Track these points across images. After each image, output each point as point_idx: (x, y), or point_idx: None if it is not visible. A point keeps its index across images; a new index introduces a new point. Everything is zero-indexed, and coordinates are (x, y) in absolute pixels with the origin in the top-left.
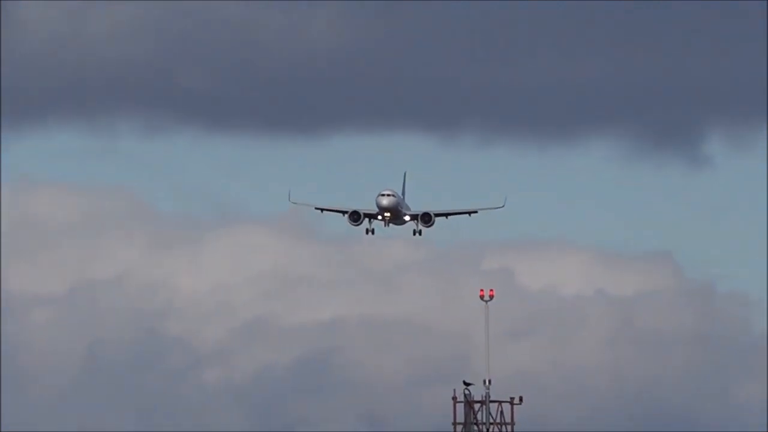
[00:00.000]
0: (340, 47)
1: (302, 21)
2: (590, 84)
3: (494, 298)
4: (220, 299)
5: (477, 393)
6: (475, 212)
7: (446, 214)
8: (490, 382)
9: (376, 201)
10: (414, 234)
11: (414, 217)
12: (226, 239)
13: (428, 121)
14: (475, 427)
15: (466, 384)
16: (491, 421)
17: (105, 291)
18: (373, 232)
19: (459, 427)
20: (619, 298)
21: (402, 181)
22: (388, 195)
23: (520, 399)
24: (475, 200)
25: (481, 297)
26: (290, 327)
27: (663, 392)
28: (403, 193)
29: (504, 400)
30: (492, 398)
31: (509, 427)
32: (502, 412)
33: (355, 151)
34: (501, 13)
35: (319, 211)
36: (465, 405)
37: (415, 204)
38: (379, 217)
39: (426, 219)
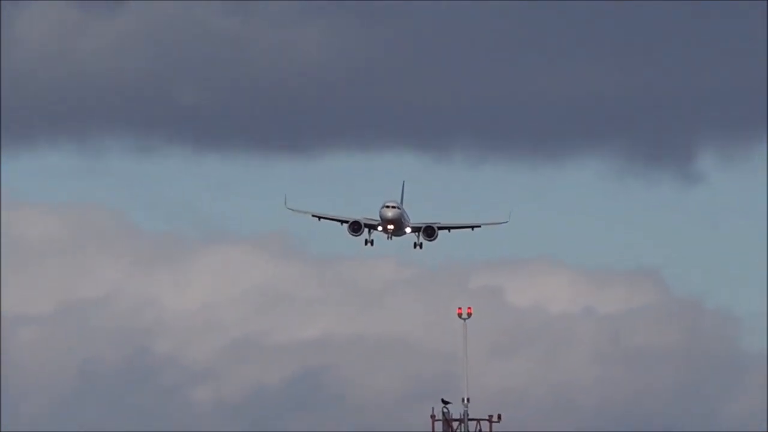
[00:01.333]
0: (330, 65)
1: (293, 39)
2: (581, 100)
3: (472, 316)
4: (208, 318)
5: (455, 411)
6: (479, 226)
7: (449, 228)
8: (468, 400)
9: (381, 213)
10: (414, 247)
11: (416, 230)
12: (214, 258)
13: (419, 139)
14: None
15: (445, 402)
16: None
17: (92, 310)
18: (372, 244)
19: None
20: (607, 315)
21: (401, 191)
22: (393, 207)
23: (499, 417)
24: (466, 217)
25: (459, 315)
26: (277, 345)
27: (650, 409)
28: (402, 203)
29: (482, 418)
30: (471, 416)
31: None
32: (480, 431)
33: (346, 169)
34: (492, 32)
35: (317, 219)
36: (443, 423)
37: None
38: (380, 228)
39: (429, 232)
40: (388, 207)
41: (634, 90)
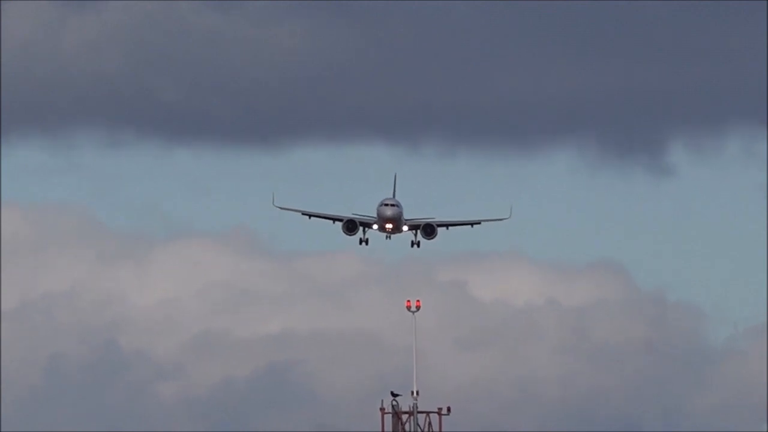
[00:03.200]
0: (302, 61)
1: (265, 35)
2: (553, 93)
3: (420, 309)
4: (171, 314)
5: (405, 404)
6: (479, 223)
7: (447, 225)
8: (418, 393)
9: (379, 211)
10: (412, 246)
11: (414, 228)
12: (179, 253)
13: (390, 132)
14: None
15: (394, 395)
16: (419, 431)
17: (56, 306)
18: (367, 243)
19: None
20: (571, 308)
21: (393, 185)
22: (392, 205)
23: (448, 410)
24: (439, 210)
25: (408, 308)
26: (240, 341)
27: (613, 402)
28: (394, 197)
29: (432, 410)
30: (421, 409)
31: None
32: (430, 423)
33: (317, 162)
34: (465, 26)
35: (307, 217)
36: (393, 416)
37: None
38: (375, 227)
39: (428, 231)
40: (387, 205)
41: (606, 83)
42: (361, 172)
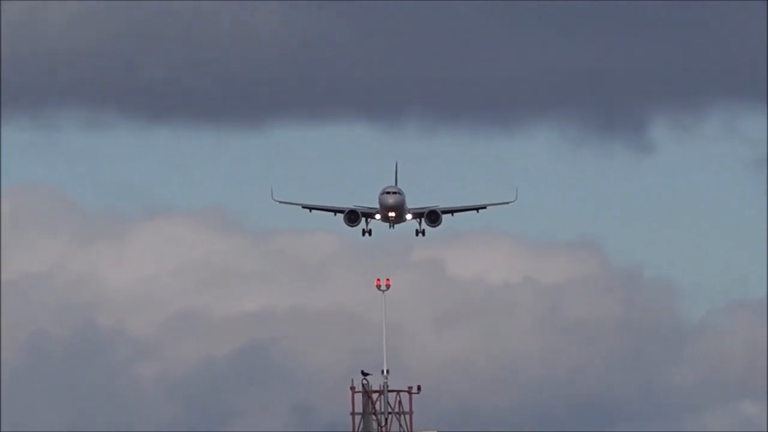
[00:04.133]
0: (281, 38)
1: (244, 12)
2: (534, 70)
3: (390, 287)
4: (149, 292)
5: (375, 383)
6: (484, 208)
7: (452, 211)
8: (388, 372)
9: (380, 200)
10: (417, 234)
11: (417, 215)
12: (156, 232)
13: (370, 110)
14: (374, 417)
15: (364, 374)
16: (389, 410)
17: (33, 286)
18: (370, 233)
19: (357, 417)
20: (548, 285)
21: (394, 173)
22: (394, 193)
23: (418, 388)
24: (419, 189)
25: (378, 287)
26: (219, 319)
27: (589, 379)
28: (396, 184)
29: (402, 389)
30: (390, 388)
31: (407, 417)
32: (400, 402)
33: (297, 141)
34: (445, 3)
35: (307, 210)
36: (363, 395)
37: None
38: (377, 217)
39: (433, 218)
40: (388, 193)
41: (587, 60)
42: (341, 150)
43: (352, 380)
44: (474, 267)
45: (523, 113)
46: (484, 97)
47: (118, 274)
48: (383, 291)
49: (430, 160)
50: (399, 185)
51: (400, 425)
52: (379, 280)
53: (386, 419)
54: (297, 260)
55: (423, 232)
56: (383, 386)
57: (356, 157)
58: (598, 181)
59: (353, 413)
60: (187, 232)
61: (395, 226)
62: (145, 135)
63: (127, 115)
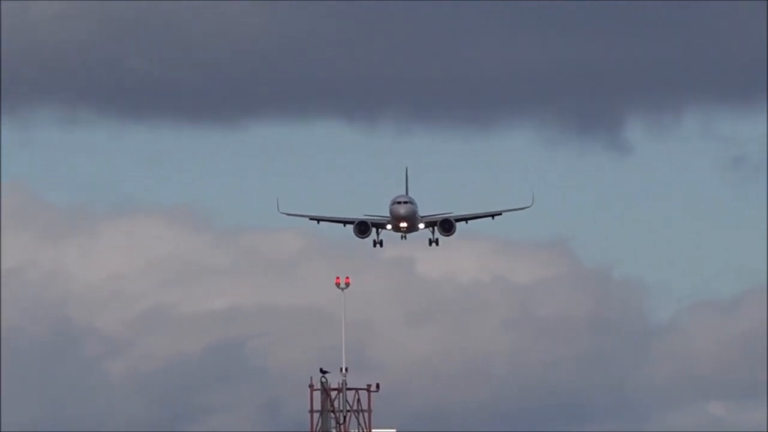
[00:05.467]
0: (259, 35)
1: (221, 10)
2: (511, 69)
3: (350, 286)
4: (118, 289)
5: (334, 380)
6: (499, 214)
7: (466, 219)
8: (346, 369)
9: (391, 210)
10: (430, 244)
11: (430, 224)
12: (126, 229)
13: (347, 109)
14: (332, 415)
15: (323, 372)
16: (348, 408)
17: (4, 283)
18: (381, 245)
19: (315, 415)
20: (518, 285)
21: (405, 180)
22: (405, 202)
23: (377, 386)
24: (395, 186)
25: (337, 284)
26: (187, 316)
27: (559, 378)
28: (407, 192)
29: (361, 387)
30: (349, 386)
31: (366, 415)
32: (359, 400)
33: (273, 139)
34: (422, 1)
35: (316, 222)
36: (322, 393)
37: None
38: (389, 227)
39: (446, 227)
40: (399, 203)
41: (564, 59)
42: (318, 148)
43: (311, 378)
44: (443, 266)
45: (500, 112)
46: (461, 97)
47: (87, 271)
48: (342, 289)
49: (404, 158)
50: (410, 191)
51: (359, 423)
52: (338, 278)
53: (345, 417)
54: (266, 258)
55: (437, 242)
56: (342, 384)
57: (333, 156)
58: (572, 181)
59: (311, 411)
60: (157, 230)
61: (407, 236)
62: (119, 132)
63: (103, 113)
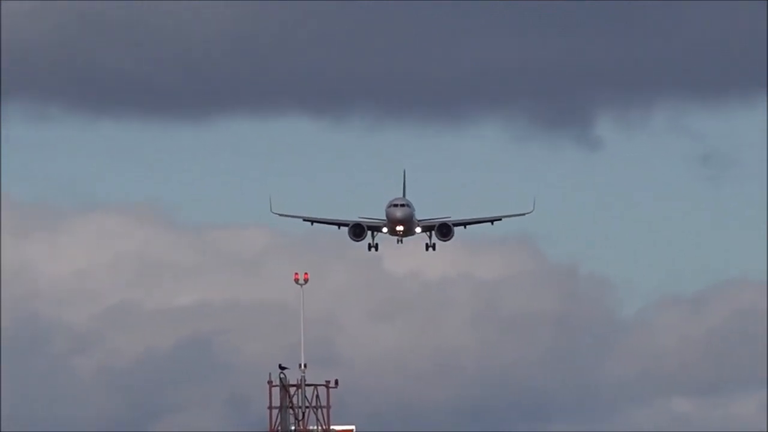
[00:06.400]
0: (228, 31)
1: (191, 6)
2: (480, 66)
3: (309, 281)
4: (84, 286)
5: (293, 377)
6: (499, 219)
7: (465, 224)
8: (305, 366)
9: (388, 213)
10: (427, 249)
11: (427, 229)
12: (92, 226)
13: (317, 104)
14: (291, 411)
15: (282, 368)
16: (306, 404)
17: None
18: (377, 248)
19: (274, 411)
20: (484, 281)
21: (402, 182)
22: (402, 205)
23: (336, 382)
24: (367, 183)
25: (296, 280)
26: (154, 312)
27: (525, 375)
28: (404, 195)
29: (319, 383)
30: (308, 382)
31: (325, 411)
32: (317, 396)
33: (241, 135)
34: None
35: (309, 223)
36: (280, 389)
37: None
38: (384, 230)
39: (444, 231)
40: (396, 206)
41: (534, 55)
42: (284, 145)
43: (270, 374)
44: (410, 262)
45: (469, 108)
46: (430, 92)
47: (52, 267)
48: (301, 285)
49: (372, 157)
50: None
51: (318, 420)
52: (297, 273)
53: (303, 413)
54: (230, 255)
55: (434, 247)
56: (300, 380)
57: (299, 151)
58: (541, 177)
59: (270, 407)
60: (122, 226)
61: (404, 240)
62: (87, 129)
63: (71, 109)
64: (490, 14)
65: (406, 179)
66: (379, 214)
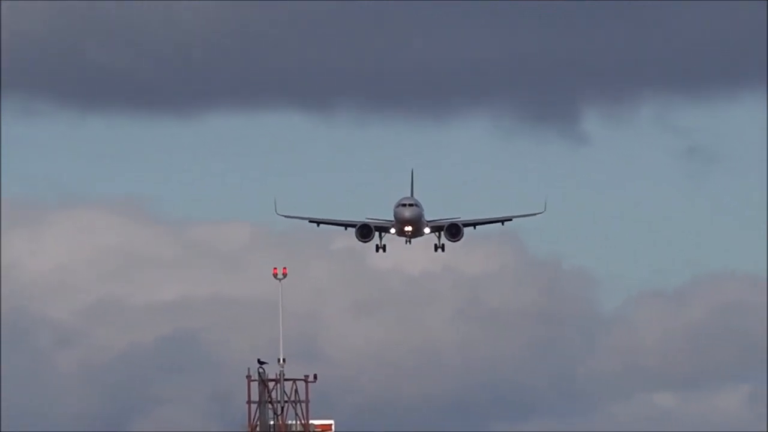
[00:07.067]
0: (215, 27)
1: (180, 2)
2: (467, 60)
3: (287, 276)
4: (66, 281)
5: (271, 371)
6: (510, 220)
7: (475, 224)
8: (284, 360)
9: (396, 213)
10: (436, 250)
11: (436, 229)
12: (75, 221)
13: (303, 99)
14: (270, 405)
15: (261, 363)
16: (285, 399)
17: None
18: (384, 249)
19: (253, 406)
20: (466, 276)
21: (410, 182)
22: (411, 205)
23: (315, 377)
24: (352, 177)
25: (275, 275)
26: (137, 307)
27: (507, 370)
28: (412, 195)
29: (298, 378)
30: (287, 376)
31: (303, 405)
32: (296, 390)
33: (228, 130)
34: None
35: (315, 224)
36: (259, 383)
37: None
38: (392, 231)
39: (453, 231)
40: (405, 205)
41: (520, 50)
42: (273, 140)
43: (248, 369)
44: (393, 256)
45: (456, 103)
46: (417, 87)
47: (35, 263)
48: (280, 280)
49: (358, 150)
50: (415, 193)
51: (297, 414)
52: (275, 268)
53: (282, 408)
54: (213, 250)
55: (443, 247)
56: (279, 375)
57: (286, 146)
58: (530, 171)
59: (249, 402)
60: (108, 221)
61: (412, 240)
62: (73, 124)
63: (58, 105)
64: (477, 9)
65: (414, 178)
66: (369, 208)
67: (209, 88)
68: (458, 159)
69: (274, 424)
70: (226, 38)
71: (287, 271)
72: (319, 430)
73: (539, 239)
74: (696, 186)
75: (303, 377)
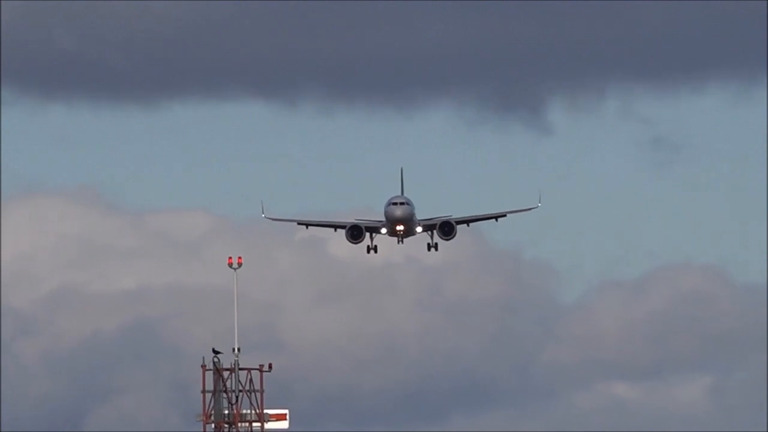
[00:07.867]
0: (180, 16)
1: None
2: (431, 50)
3: (242, 266)
4: (25, 270)
5: (226, 361)
6: (504, 216)
7: (468, 221)
8: (239, 350)
9: (387, 212)
10: (429, 249)
11: (428, 228)
12: (32, 210)
13: (267, 89)
14: (225, 395)
15: (216, 352)
16: (240, 388)
17: None
18: (375, 251)
19: (208, 395)
20: (427, 266)
21: (400, 181)
22: (402, 203)
23: (270, 366)
24: (317, 166)
25: (230, 264)
26: (97, 296)
27: (467, 359)
28: (402, 193)
29: (253, 367)
30: (241, 366)
31: (258, 395)
32: (251, 380)
33: (190, 119)
34: None
35: (304, 227)
36: (214, 373)
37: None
38: (383, 231)
39: (446, 230)
40: (395, 204)
41: (484, 39)
42: (235, 130)
43: (203, 358)
44: (355, 247)
45: (419, 93)
46: (380, 77)
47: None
48: (235, 269)
49: (322, 141)
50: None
51: (251, 404)
52: (230, 258)
53: (237, 397)
54: (171, 239)
55: (436, 246)
56: (234, 364)
57: (253, 136)
58: (494, 161)
59: (204, 391)
60: (64, 210)
61: (404, 240)
62: (35, 112)
63: (21, 92)
64: (443, 0)
65: (404, 176)
66: (336, 197)
67: (171, 77)
68: (420, 149)
69: (228, 414)
70: (189, 28)
71: (242, 260)
72: (274, 419)
73: (500, 230)
74: (660, 176)
75: (258, 367)
